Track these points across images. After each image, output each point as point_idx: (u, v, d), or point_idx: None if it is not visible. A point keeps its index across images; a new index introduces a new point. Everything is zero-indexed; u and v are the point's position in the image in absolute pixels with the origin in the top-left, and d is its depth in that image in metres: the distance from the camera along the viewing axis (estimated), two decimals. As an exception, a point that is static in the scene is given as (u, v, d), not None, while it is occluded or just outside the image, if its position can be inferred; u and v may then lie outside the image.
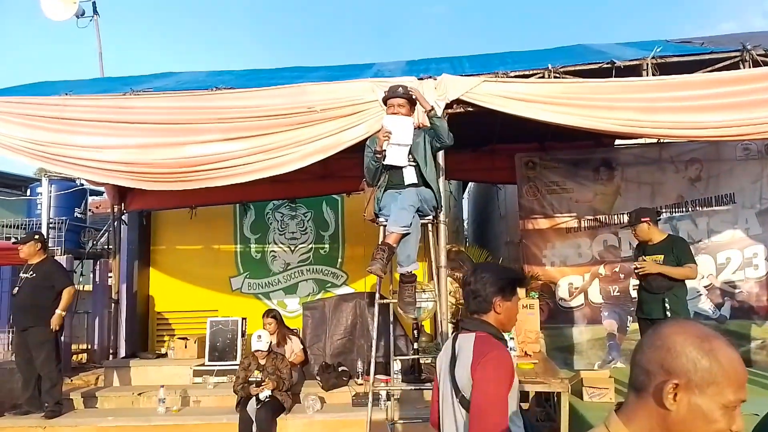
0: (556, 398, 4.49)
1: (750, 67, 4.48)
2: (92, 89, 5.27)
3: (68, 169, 5.10)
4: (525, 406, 5.51)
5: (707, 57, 4.62)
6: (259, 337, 5.32)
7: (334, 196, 7.79)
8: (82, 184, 8.87)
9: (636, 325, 5.41)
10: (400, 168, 4.15)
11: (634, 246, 5.18)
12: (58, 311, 5.41)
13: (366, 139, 4.40)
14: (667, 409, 1.07)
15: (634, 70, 4.66)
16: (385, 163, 4.08)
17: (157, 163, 4.70)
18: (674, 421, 1.07)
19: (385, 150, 4.04)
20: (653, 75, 4.57)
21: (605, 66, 4.67)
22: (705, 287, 6.16)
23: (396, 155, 4.08)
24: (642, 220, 4.71)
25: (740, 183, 6.37)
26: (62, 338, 5.86)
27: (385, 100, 4.26)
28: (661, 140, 6.43)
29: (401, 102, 4.17)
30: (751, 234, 6.33)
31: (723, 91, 4.33)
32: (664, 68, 4.61)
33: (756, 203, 6.34)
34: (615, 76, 4.58)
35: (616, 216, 6.55)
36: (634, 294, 5.19)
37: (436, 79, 4.59)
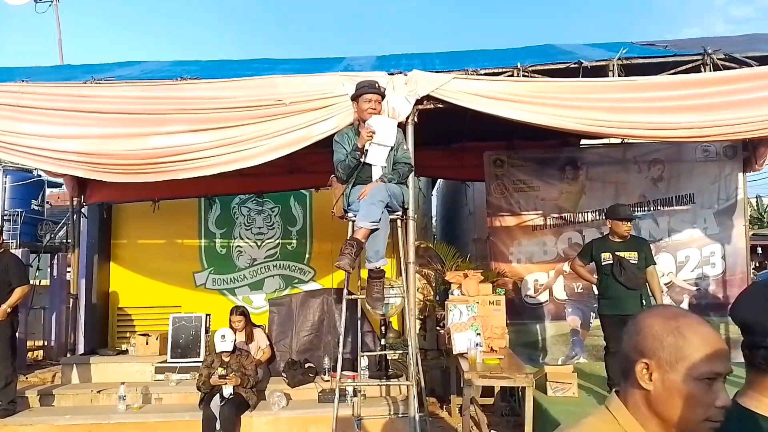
0: (520, 393, 4.55)
1: (711, 71, 4.60)
2: (51, 77, 5.08)
3: (23, 159, 4.90)
4: (490, 401, 5.57)
5: (671, 59, 4.72)
6: (223, 337, 5.21)
7: (302, 191, 7.71)
8: (39, 176, 8.59)
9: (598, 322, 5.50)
10: (370, 164, 4.13)
11: (591, 242, 5.23)
12: (3, 306, 5.17)
13: (335, 134, 4.35)
14: (646, 390, 1.10)
15: (600, 71, 4.73)
16: (364, 161, 4.07)
17: (118, 154, 4.55)
18: (656, 401, 1.10)
19: (366, 149, 4.03)
20: (619, 76, 4.65)
21: (572, 66, 4.73)
22: (665, 285, 6.32)
23: (376, 155, 4.10)
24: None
25: (699, 184, 6.57)
26: (18, 334, 5.64)
27: (358, 94, 4.22)
28: (626, 140, 6.56)
29: (377, 98, 4.16)
30: (709, 233, 6.53)
31: (687, 93, 4.43)
32: (629, 69, 4.70)
33: (714, 203, 6.55)
34: (582, 76, 4.64)
35: (580, 214, 6.67)
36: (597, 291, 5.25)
37: (406, 75, 4.58)
